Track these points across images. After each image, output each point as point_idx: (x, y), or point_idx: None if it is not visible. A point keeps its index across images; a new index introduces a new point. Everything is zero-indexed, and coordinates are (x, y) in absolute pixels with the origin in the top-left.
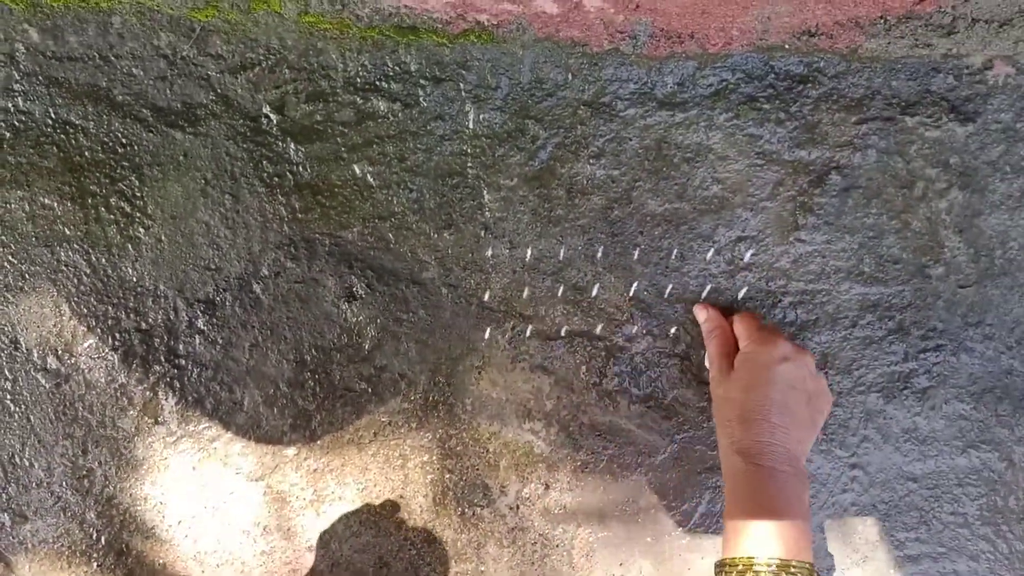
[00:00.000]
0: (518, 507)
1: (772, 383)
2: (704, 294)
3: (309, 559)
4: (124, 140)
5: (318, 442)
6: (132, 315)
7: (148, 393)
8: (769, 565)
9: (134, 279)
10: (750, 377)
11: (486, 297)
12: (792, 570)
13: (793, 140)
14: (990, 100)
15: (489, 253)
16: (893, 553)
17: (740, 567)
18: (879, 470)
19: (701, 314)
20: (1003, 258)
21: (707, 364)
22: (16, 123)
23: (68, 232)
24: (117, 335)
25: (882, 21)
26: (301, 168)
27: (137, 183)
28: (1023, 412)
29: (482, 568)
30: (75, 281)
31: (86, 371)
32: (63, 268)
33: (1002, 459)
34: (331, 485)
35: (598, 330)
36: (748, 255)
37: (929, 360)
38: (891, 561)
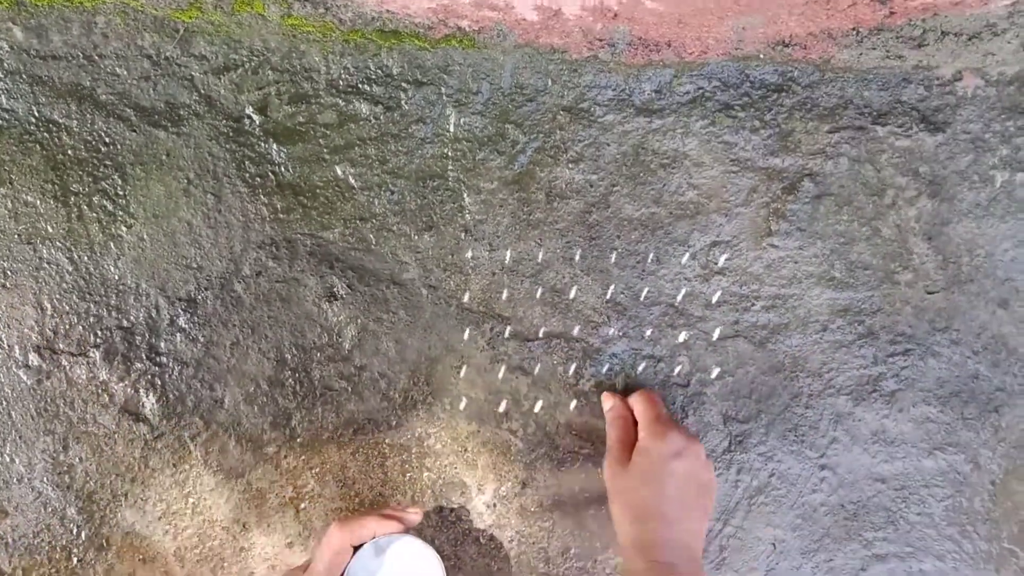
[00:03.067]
0: (495, 505)
1: (668, 477)
2: (679, 297)
3: (288, 555)
4: (107, 139)
5: (298, 440)
6: (114, 313)
7: (129, 390)
8: None
9: (116, 277)
10: (647, 471)
11: (466, 298)
12: None
13: (767, 148)
14: (959, 111)
15: (469, 255)
16: (861, 552)
17: None
18: (848, 471)
19: (607, 402)
20: (970, 265)
21: (606, 452)
22: (0, 121)
23: (50, 230)
24: (99, 332)
25: (854, 33)
26: (283, 169)
27: (120, 182)
28: (989, 415)
29: (460, 565)
30: (57, 278)
31: (67, 368)
32: (45, 265)
33: (968, 461)
34: (311, 483)
35: (575, 332)
36: (722, 259)
37: (897, 364)
38: (859, 560)
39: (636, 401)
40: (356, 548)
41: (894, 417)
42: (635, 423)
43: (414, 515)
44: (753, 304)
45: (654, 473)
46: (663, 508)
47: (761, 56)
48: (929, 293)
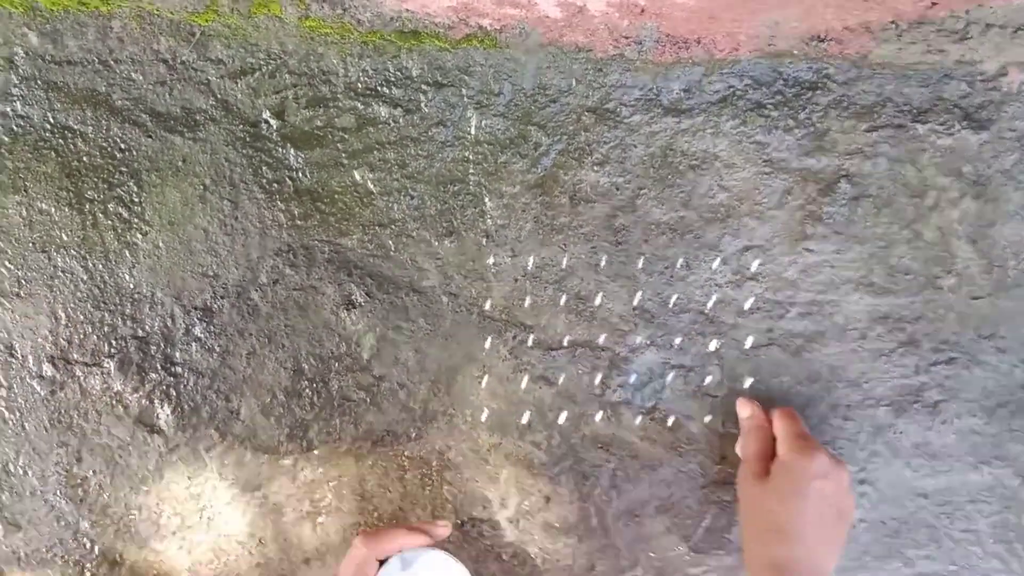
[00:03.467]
0: (519, 521)
1: (809, 498)
2: (710, 304)
3: (305, 572)
4: (122, 145)
5: (315, 452)
6: (128, 322)
7: (144, 401)
8: None
9: (131, 286)
10: (787, 488)
11: (487, 306)
12: None
13: (802, 148)
14: (1004, 107)
15: (491, 261)
16: (903, 571)
17: None
18: (889, 486)
19: (745, 409)
20: (1017, 269)
21: (740, 456)
22: (14, 127)
23: (65, 238)
24: (113, 342)
25: (893, 26)
26: (301, 174)
27: (135, 188)
28: None
29: None
30: (71, 287)
31: (81, 378)
32: (59, 274)
33: (1016, 475)
34: (328, 496)
35: (601, 340)
36: (755, 265)
37: (941, 373)
38: None
39: (778, 415)
40: (382, 562)
41: (937, 429)
42: (773, 437)
43: (443, 528)
44: (788, 311)
45: (795, 491)
46: (801, 529)
47: (795, 52)
48: (974, 299)
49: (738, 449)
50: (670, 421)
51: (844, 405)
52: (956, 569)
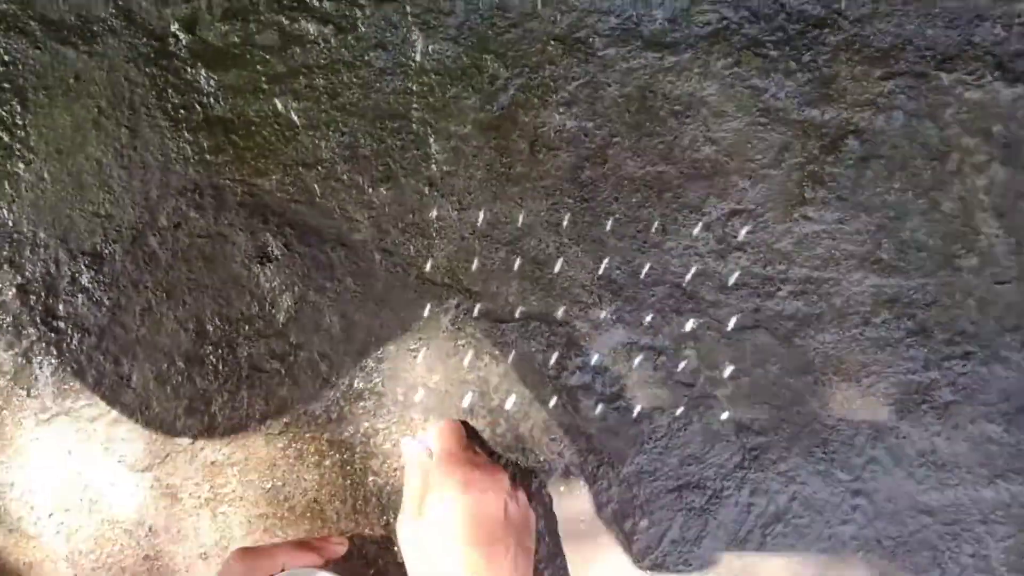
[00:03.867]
0: None
1: (468, 520)
2: (688, 276)
3: (201, 569)
4: (6, 57)
5: (218, 430)
6: (5, 266)
7: (20, 360)
8: None
9: (10, 223)
10: (437, 516)
11: (427, 267)
12: None
13: (804, 96)
14: None
15: (433, 214)
16: None
17: None
18: (887, 499)
19: (405, 448)
20: None
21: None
22: None
23: None
24: None
25: None
26: (213, 100)
27: (19, 109)
28: None
29: None
30: None
31: None
32: None
33: None
34: (232, 482)
35: (559, 313)
36: (743, 232)
37: (955, 370)
38: None
39: (430, 439)
40: None
41: (947, 435)
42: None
43: (337, 546)
44: (779, 289)
45: (450, 516)
46: (465, 553)
47: None
48: (998, 283)
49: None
50: (635, 411)
51: (839, 402)
52: None
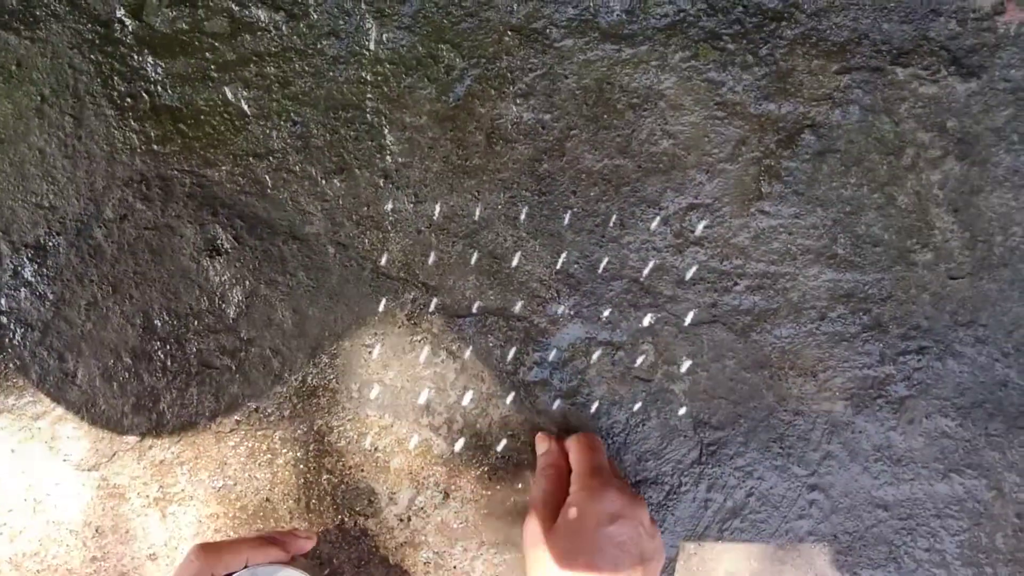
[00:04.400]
0: (410, 518)
1: (599, 550)
2: (646, 271)
3: (151, 570)
4: None
5: (167, 428)
6: None
7: None
8: None
9: None
10: (573, 538)
11: (383, 261)
12: None
13: (761, 90)
14: (999, 53)
15: (389, 207)
16: None
17: None
18: (843, 494)
19: (541, 445)
20: (1004, 246)
21: (529, 508)
22: None
23: None
24: None
25: None
26: (160, 88)
27: None
28: (1018, 432)
29: None
30: None
31: None
32: None
33: (990, 487)
34: (181, 481)
35: (517, 308)
36: (700, 227)
37: (909, 364)
38: None
39: (572, 447)
40: None
41: (902, 430)
42: (568, 473)
43: (304, 540)
44: (736, 283)
45: (584, 540)
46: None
47: None
48: (952, 278)
49: (529, 500)
50: (593, 407)
51: (795, 397)
52: None
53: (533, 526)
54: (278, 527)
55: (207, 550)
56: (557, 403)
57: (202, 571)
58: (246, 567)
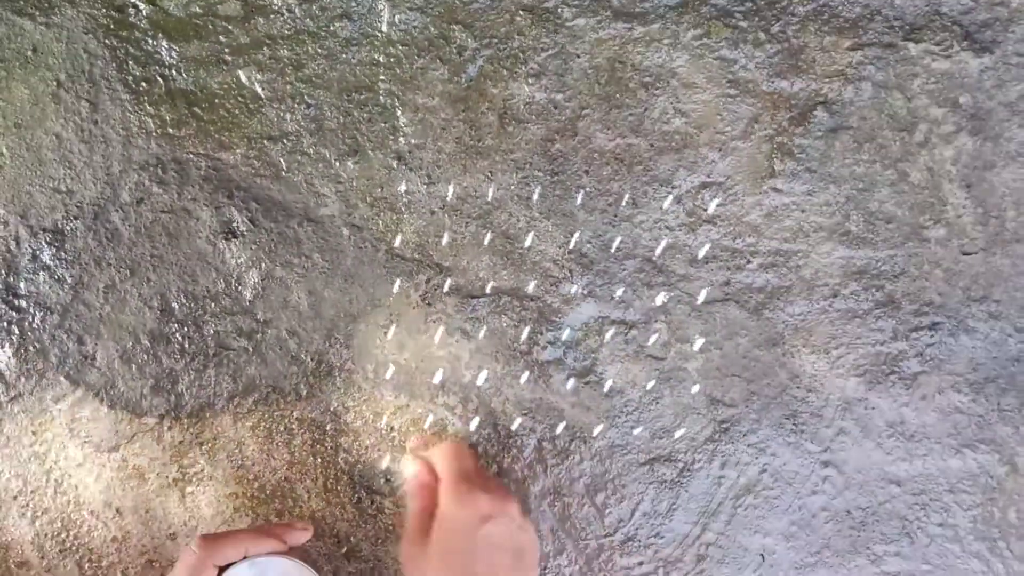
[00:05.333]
0: None
1: (474, 551)
2: (659, 250)
3: (171, 549)
4: None
5: (185, 409)
6: None
7: None
8: None
9: None
10: (446, 546)
11: (397, 242)
12: None
13: (773, 67)
14: (1012, 27)
15: (402, 188)
16: (869, 569)
17: None
18: (856, 470)
19: (409, 468)
20: (1016, 221)
21: (404, 525)
22: None
23: None
24: None
25: None
26: (175, 72)
27: None
28: None
29: (380, 569)
30: None
31: None
32: None
33: (1003, 462)
34: (200, 462)
35: (530, 288)
36: (713, 205)
37: (922, 341)
38: None
39: (436, 459)
40: (222, 570)
41: (915, 406)
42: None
43: (301, 532)
44: (748, 261)
45: (457, 546)
46: None
47: None
48: (965, 254)
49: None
50: (607, 386)
51: (808, 374)
52: (930, 569)
53: (407, 546)
54: (288, 511)
55: (207, 541)
56: (571, 382)
57: (202, 561)
58: (245, 558)
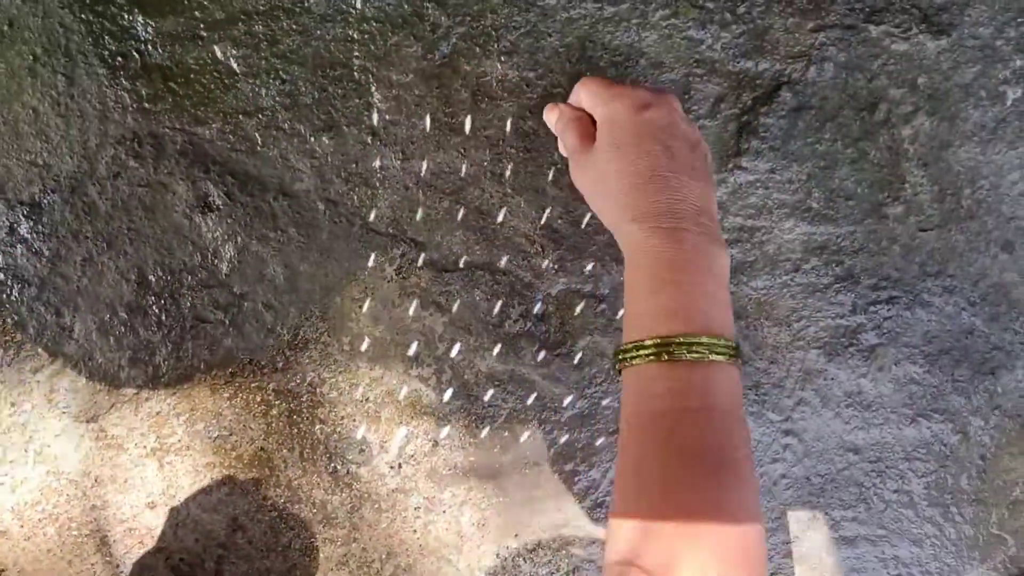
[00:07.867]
0: (400, 466)
1: (645, 135)
2: None
3: (149, 518)
4: None
5: (163, 380)
6: None
7: None
8: (677, 343)
9: None
10: (617, 138)
11: (371, 217)
12: (698, 348)
13: (739, 48)
14: (968, 10)
15: (377, 164)
16: (827, 534)
17: (648, 349)
18: (816, 438)
19: (551, 113)
20: (971, 199)
21: (563, 152)
22: None
23: None
24: None
25: None
26: (151, 47)
27: None
28: (983, 378)
29: (355, 535)
30: None
31: None
32: None
33: (956, 431)
34: (178, 432)
35: (502, 263)
36: None
37: (880, 314)
38: (824, 543)
39: (582, 91)
40: None
41: (873, 376)
42: (593, 121)
43: None
44: None
45: (628, 136)
46: (655, 167)
47: None
48: (921, 231)
49: (561, 151)
50: (576, 358)
51: (771, 346)
52: (885, 534)
53: (574, 163)
54: (265, 480)
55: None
56: (542, 354)
57: None
58: None
